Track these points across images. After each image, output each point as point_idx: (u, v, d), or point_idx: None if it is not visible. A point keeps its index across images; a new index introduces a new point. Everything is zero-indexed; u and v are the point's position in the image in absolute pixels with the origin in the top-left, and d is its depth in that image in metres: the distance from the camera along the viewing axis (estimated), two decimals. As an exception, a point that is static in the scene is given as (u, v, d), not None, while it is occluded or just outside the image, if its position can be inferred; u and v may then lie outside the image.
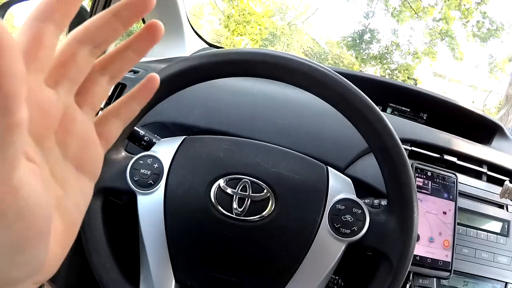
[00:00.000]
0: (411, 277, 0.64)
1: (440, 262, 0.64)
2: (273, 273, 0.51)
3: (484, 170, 0.81)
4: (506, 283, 0.72)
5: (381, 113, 0.47)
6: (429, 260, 0.64)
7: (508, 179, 0.81)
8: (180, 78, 0.49)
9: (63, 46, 0.24)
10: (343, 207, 0.50)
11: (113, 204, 0.70)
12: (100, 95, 0.27)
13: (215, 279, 0.52)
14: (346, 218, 0.50)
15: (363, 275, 0.53)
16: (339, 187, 0.53)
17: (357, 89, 0.47)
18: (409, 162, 0.47)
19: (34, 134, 0.21)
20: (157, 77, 0.28)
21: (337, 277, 0.63)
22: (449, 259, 0.65)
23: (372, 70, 10.25)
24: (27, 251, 0.20)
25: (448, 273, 0.64)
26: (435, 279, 0.67)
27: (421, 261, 0.63)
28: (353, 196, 0.52)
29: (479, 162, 0.82)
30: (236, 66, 0.48)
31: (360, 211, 0.50)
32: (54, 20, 0.21)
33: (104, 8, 0.99)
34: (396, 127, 0.80)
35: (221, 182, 0.51)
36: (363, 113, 0.46)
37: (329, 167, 0.56)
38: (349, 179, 0.56)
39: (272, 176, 0.52)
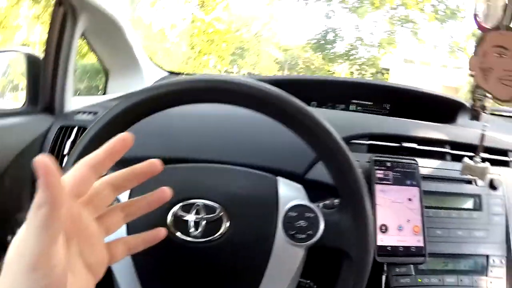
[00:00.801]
0: (385, 268, 0.65)
1: (413, 248, 0.65)
2: (239, 287, 0.52)
3: (447, 150, 0.82)
4: (488, 255, 0.73)
5: (315, 113, 0.48)
6: (401, 248, 0.65)
7: (472, 154, 0.83)
8: (125, 116, 0.49)
9: (98, 185, 0.37)
10: (295, 214, 0.51)
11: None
12: (116, 224, 0.40)
13: None
14: (299, 224, 0.50)
15: (333, 275, 0.54)
16: (289, 194, 0.54)
17: (283, 93, 0.47)
18: (352, 157, 0.48)
19: (65, 233, 0.32)
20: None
21: (308, 281, 0.64)
22: (421, 244, 0.66)
23: (341, 68, 10.39)
24: None
25: (423, 258, 0.65)
26: (412, 265, 0.68)
27: (393, 251, 0.64)
28: (305, 201, 0.53)
29: (441, 143, 0.83)
30: (167, 98, 0.49)
31: (313, 214, 0.51)
32: (97, 171, 0.34)
33: (61, 26, 0.99)
34: (354, 123, 0.83)
35: (175, 209, 0.52)
36: (297, 118, 0.47)
37: (279, 177, 0.57)
38: (299, 185, 0.57)
39: (222, 195, 0.53)
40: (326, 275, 0.63)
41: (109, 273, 0.53)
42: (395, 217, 0.66)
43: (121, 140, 0.35)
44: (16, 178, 0.90)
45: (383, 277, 0.64)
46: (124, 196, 0.53)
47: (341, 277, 0.49)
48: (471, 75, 0.67)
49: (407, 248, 0.65)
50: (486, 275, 0.72)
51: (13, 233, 0.33)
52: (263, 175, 0.58)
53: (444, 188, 0.76)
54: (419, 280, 0.67)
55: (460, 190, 0.77)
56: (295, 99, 0.48)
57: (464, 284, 0.70)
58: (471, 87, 0.69)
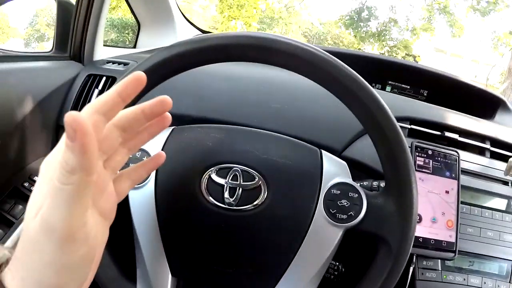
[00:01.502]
0: (414, 259, 0.62)
1: (444, 243, 0.62)
2: (269, 262, 0.49)
3: (487, 146, 0.79)
4: None
5: (375, 91, 0.44)
6: (432, 241, 0.62)
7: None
8: (162, 68, 0.47)
9: (105, 128, 0.32)
10: (338, 192, 0.48)
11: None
12: (120, 161, 0.37)
13: (211, 271, 0.51)
14: (342, 203, 0.48)
15: (364, 259, 0.51)
16: (333, 170, 0.51)
17: (347, 67, 0.44)
18: (406, 141, 0.45)
19: None
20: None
21: (337, 263, 0.61)
22: (453, 240, 0.63)
23: (371, 48, 10.16)
24: (83, 269, 0.30)
25: (453, 254, 0.62)
26: (439, 260, 0.65)
27: (424, 243, 0.61)
28: (349, 180, 0.50)
29: (482, 138, 0.80)
30: (218, 51, 0.45)
31: (356, 195, 0.48)
32: (107, 116, 0.30)
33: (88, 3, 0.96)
34: (395, 105, 0.79)
35: (211, 172, 0.49)
36: (354, 93, 0.44)
37: (323, 151, 0.54)
38: (344, 162, 0.54)
39: (263, 163, 0.50)
40: (356, 258, 0.61)
41: (131, 238, 0.51)
42: (430, 208, 0.63)
43: (134, 80, 0.31)
44: (40, 122, 0.89)
45: (411, 268, 0.61)
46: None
47: (377, 264, 0.47)
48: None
49: (438, 241, 0.62)
50: (510, 282, 0.69)
51: (31, 180, 0.31)
52: (307, 146, 0.54)
53: (480, 185, 0.72)
54: (444, 276, 0.65)
55: (495, 189, 0.73)
56: (353, 71, 0.44)
57: (487, 287, 0.67)
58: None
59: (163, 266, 0.50)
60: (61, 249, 0.27)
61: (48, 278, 0.27)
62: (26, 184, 0.89)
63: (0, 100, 0.80)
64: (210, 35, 0.46)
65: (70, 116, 0.24)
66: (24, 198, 0.87)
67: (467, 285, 0.66)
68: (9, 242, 0.80)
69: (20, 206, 0.87)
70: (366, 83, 0.44)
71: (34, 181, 0.88)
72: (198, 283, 0.56)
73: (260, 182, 0.49)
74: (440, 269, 0.65)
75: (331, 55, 0.44)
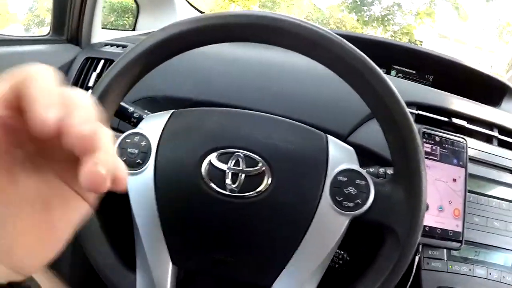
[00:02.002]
0: (420, 249, 0.61)
1: (451, 233, 0.61)
2: (272, 251, 0.48)
3: (495, 133, 0.77)
4: None
5: (384, 75, 0.43)
6: (439, 230, 0.60)
7: None
8: (160, 49, 0.45)
9: None
10: (345, 179, 0.46)
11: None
12: None
13: (212, 260, 0.49)
14: (348, 190, 0.46)
15: (370, 248, 0.50)
16: (340, 156, 0.49)
17: (356, 49, 0.42)
18: (416, 127, 0.43)
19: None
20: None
21: (342, 252, 0.60)
22: (459, 229, 0.61)
23: (374, 33, 10.09)
24: None
25: (459, 244, 0.61)
26: (445, 250, 0.64)
27: (430, 232, 0.60)
28: (356, 166, 0.48)
29: (489, 125, 0.78)
30: (218, 31, 0.43)
31: (364, 182, 0.46)
32: None
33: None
34: (401, 89, 0.75)
35: (212, 157, 0.47)
36: (364, 76, 0.42)
37: (329, 135, 0.52)
38: (351, 148, 0.52)
39: (267, 148, 0.48)
40: (362, 247, 0.60)
41: (130, 226, 0.50)
42: (437, 196, 0.62)
43: None
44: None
45: (416, 258, 0.60)
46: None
47: (384, 254, 0.45)
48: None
49: (444, 231, 0.60)
50: (515, 273, 0.68)
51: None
52: (312, 131, 0.52)
53: (487, 173, 0.71)
54: (450, 266, 0.64)
55: (503, 178, 0.71)
56: (360, 52, 0.42)
57: (493, 278, 0.66)
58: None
59: (163, 254, 0.49)
60: None
61: None
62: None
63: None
64: (210, 14, 0.44)
65: None
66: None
67: (472, 276, 0.64)
68: None
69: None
70: (375, 65, 0.42)
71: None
72: (199, 272, 0.55)
73: (264, 168, 0.47)
74: (445, 259, 0.64)
75: (338, 35, 0.42)
